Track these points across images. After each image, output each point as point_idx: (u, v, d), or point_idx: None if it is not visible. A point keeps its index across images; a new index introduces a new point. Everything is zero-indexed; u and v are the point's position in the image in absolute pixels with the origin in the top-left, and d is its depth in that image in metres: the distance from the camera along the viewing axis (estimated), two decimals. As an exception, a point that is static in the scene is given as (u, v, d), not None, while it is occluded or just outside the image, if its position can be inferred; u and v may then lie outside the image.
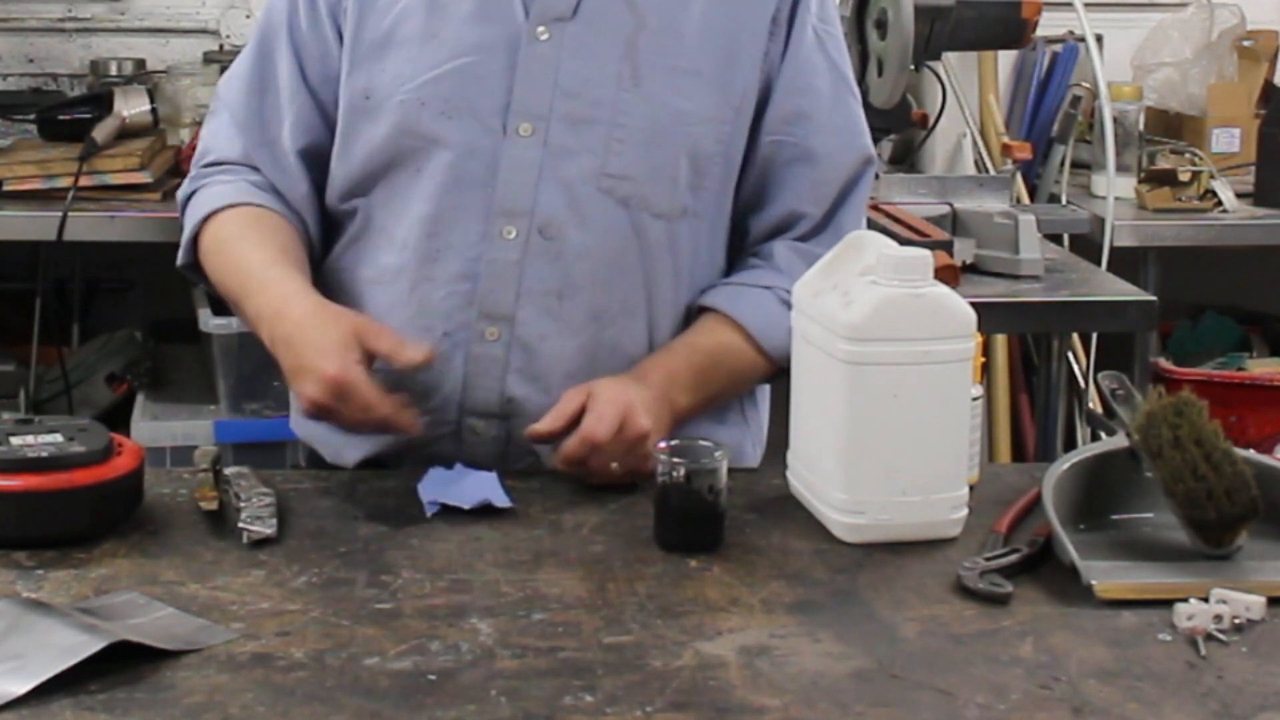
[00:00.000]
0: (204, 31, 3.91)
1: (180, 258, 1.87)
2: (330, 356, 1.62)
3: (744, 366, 1.81)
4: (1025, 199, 3.58)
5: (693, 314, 1.83)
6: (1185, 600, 1.40)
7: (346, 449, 1.83)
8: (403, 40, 1.77)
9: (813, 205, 1.83)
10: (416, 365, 1.64)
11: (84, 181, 3.15)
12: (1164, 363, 3.67)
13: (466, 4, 1.76)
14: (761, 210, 1.85)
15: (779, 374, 1.83)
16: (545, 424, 1.69)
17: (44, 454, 1.53)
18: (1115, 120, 3.47)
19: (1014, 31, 3.20)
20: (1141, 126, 3.65)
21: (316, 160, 1.84)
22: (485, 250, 1.76)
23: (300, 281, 1.73)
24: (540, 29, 1.75)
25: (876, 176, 3.21)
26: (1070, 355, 3.43)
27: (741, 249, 1.87)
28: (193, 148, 3.36)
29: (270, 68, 1.84)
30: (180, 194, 1.89)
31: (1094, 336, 3.51)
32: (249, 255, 1.77)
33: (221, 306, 3.08)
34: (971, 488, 1.61)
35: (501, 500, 1.64)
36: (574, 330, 1.77)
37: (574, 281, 1.76)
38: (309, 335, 1.65)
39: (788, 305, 1.70)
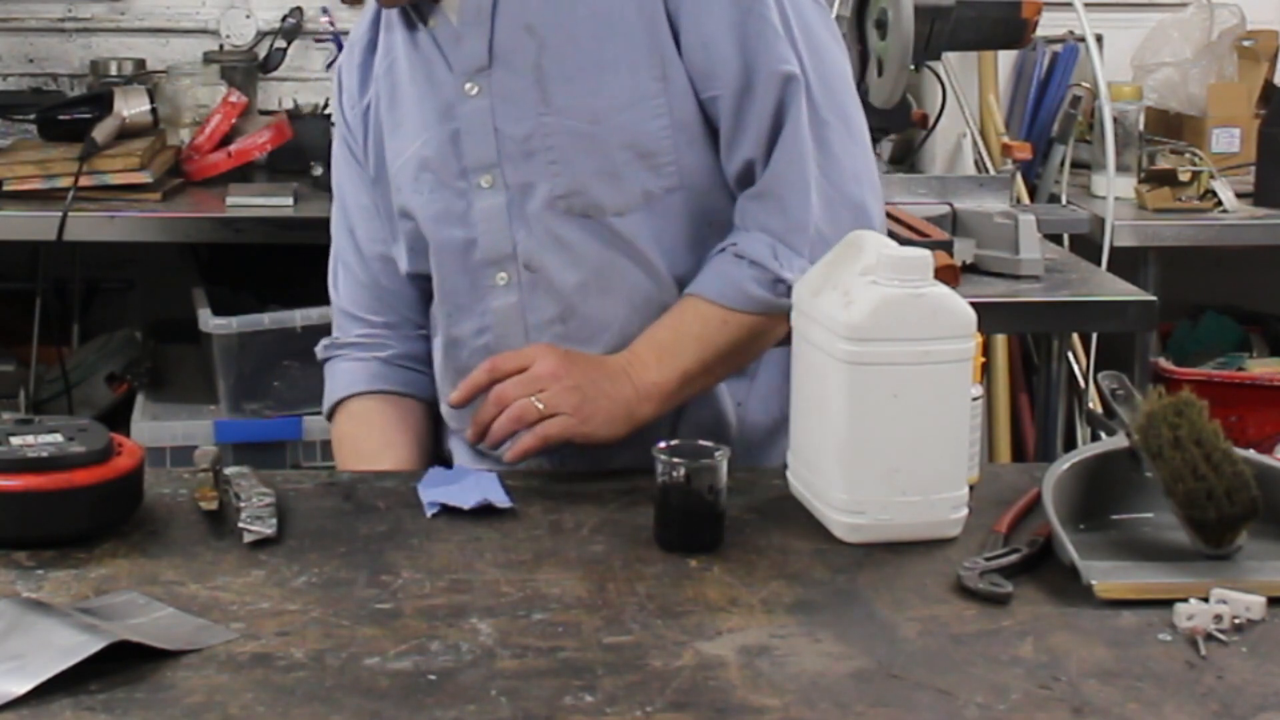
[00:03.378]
0: (204, 31, 3.91)
1: (324, 413, 2.01)
2: None
3: (713, 329, 1.78)
4: (1025, 199, 3.57)
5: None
6: (1185, 600, 1.40)
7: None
8: (385, 141, 1.90)
9: (754, 148, 1.80)
10: None
11: (84, 181, 3.15)
12: (1164, 363, 3.67)
13: (411, 87, 1.86)
14: (724, 163, 1.82)
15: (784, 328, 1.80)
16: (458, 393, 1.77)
17: (44, 454, 1.53)
18: (1115, 120, 3.47)
19: (1014, 31, 3.20)
20: (1141, 126, 3.65)
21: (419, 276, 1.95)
22: (489, 302, 1.84)
23: None
24: (468, 85, 1.82)
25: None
26: (1070, 355, 3.43)
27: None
28: (193, 148, 3.42)
29: (345, 204, 1.99)
30: (320, 351, 2.02)
31: (1094, 336, 3.51)
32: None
33: (221, 306, 3.10)
34: (971, 488, 1.61)
35: (502, 500, 1.64)
36: (587, 344, 1.80)
37: (570, 304, 1.81)
38: None
39: (740, 258, 1.78)
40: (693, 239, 1.83)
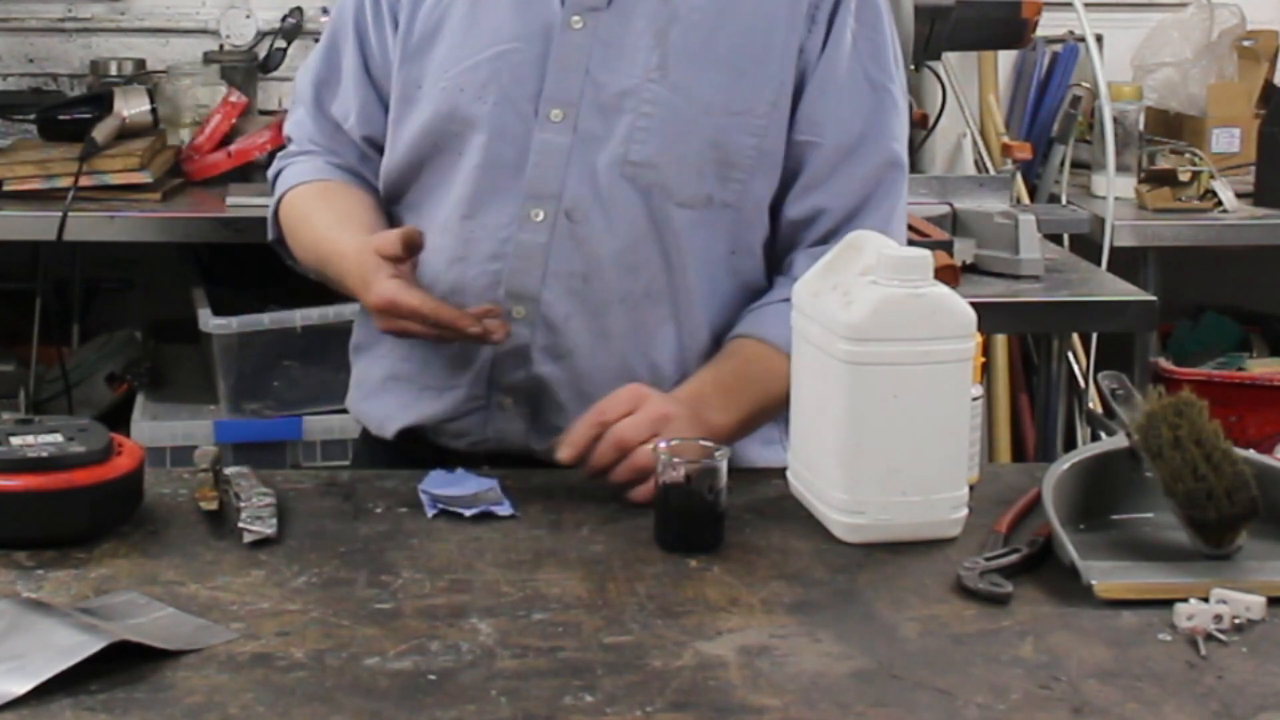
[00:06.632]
0: (204, 31, 3.91)
1: (270, 233, 2.00)
2: (376, 281, 1.73)
3: (776, 378, 1.77)
4: (1025, 199, 3.58)
5: (729, 306, 1.86)
6: (1185, 600, 1.40)
7: (388, 421, 1.90)
8: (449, 31, 1.85)
9: (834, 201, 1.84)
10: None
11: (84, 181, 3.15)
12: (1164, 363, 3.67)
13: None
14: (788, 204, 1.86)
15: None
16: (566, 452, 1.67)
17: (44, 454, 1.53)
18: (1115, 120, 3.48)
19: (1014, 31, 3.20)
20: (1141, 126, 3.66)
21: (379, 149, 1.94)
22: (515, 232, 1.81)
23: (351, 232, 1.82)
24: (575, 18, 1.81)
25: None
26: (1070, 355, 3.43)
27: (774, 241, 1.88)
28: (193, 148, 3.42)
29: (337, 60, 1.95)
30: (270, 174, 2.03)
31: (1094, 336, 3.51)
32: (319, 228, 1.89)
33: (221, 306, 3.10)
34: (971, 488, 1.61)
35: (504, 509, 1.63)
36: (597, 312, 1.80)
37: (597, 265, 1.80)
38: (362, 267, 1.76)
39: None
40: (715, 259, 1.84)
